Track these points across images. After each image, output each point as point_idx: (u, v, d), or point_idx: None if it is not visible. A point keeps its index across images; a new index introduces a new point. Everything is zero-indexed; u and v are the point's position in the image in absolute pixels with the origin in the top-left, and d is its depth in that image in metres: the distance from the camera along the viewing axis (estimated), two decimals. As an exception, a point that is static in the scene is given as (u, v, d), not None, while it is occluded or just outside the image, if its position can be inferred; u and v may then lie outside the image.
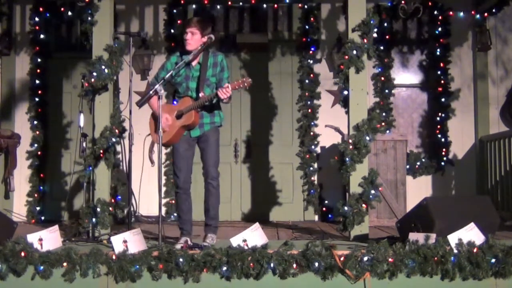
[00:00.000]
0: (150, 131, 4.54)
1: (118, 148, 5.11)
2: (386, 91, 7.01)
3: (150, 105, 4.44)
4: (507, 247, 3.75)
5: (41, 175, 7.00)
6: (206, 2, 6.92)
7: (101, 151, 4.84)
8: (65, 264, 3.78)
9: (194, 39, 4.37)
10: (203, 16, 7.05)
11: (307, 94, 6.99)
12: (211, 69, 4.43)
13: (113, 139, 4.89)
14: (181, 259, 3.74)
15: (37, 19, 7.07)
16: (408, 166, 6.58)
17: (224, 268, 3.74)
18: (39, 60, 7.05)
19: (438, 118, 7.00)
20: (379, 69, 7.03)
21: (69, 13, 6.94)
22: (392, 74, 7.07)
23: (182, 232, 4.47)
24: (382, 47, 6.94)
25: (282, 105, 7.13)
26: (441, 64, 7.00)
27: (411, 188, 6.61)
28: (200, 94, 4.34)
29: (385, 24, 7.01)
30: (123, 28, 6.91)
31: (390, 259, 3.73)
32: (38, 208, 6.91)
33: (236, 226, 5.84)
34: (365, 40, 4.75)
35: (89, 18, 4.98)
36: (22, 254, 3.78)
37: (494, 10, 6.76)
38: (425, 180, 6.98)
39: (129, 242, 3.90)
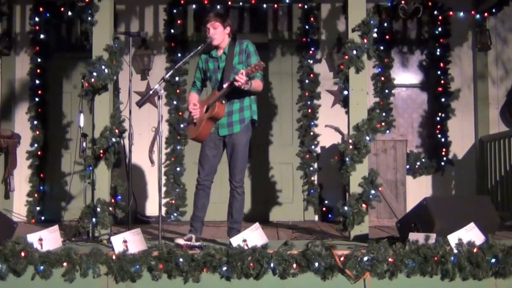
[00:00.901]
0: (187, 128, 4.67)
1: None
2: (386, 91, 7.01)
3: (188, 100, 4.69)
4: (507, 247, 3.75)
5: (41, 175, 7.00)
6: (206, 2, 6.92)
7: (101, 151, 4.84)
8: (65, 264, 3.78)
9: (217, 32, 4.38)
10: (203, 16, 7.09)
11: (307, 94, 6.99)
12: (237, 56, 4.39)
13: (113, 139, 4.88)
14: (181, 259, 3.74)
15: (37, 19, 7.06)
16: (408, 166, 6.58)
17: (224, 268, 3.74)
18: (39, 60, 7.05)
19: (438, 118, 7.00)
20: (379, 69, 7.03)
21: (69, 13, 6.92)
22: (392, 74, 7.07)
23: (191, 228, 4.46)
24: (382, 47, 6.94)
25: (282, 105, 7.13)
26: (441, 64, 7.00)
27: (411, 188, 6.61)
28: (224, 85, 4.31)
29: (385, 24, 7.01)
30: (123, 28, 6.91)
31: (390, 259, 3.73)
32: (38, 208, 6.91)
33: (236, 226, 5.84)
34: (365, 40, 4.74)
35: (89, 18, 4.97)
36: (22, 254, 3.78)
37: (494, 10, 6.77)
38: (425, 180, 6.99)
39: (129, 242, 3.90)
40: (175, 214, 6.82)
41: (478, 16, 6.88)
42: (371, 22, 4.75)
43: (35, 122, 6.98)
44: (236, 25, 7.21)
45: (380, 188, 4.81)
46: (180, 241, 4.15)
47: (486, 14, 6.85)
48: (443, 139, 6.98)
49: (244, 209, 4.52)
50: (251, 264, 3.72)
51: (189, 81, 6.90)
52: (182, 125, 6.86)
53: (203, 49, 4.41)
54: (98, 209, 4.75)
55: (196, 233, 4.43)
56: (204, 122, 4.37)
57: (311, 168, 6.94)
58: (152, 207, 6.80)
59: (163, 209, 6.67)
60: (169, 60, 6.99)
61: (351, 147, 4.69)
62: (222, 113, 4.34)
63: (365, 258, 3.73)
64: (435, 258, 3.72)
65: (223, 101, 4.33)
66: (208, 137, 4.43)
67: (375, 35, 4.84)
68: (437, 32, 7.03)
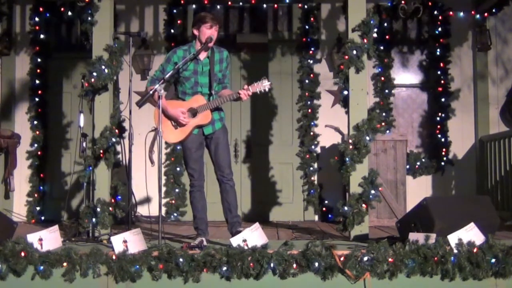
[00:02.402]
0: (163, 131, 4.21)
1: (118, 148, 5.11)
2: (386, 91, 7.01)
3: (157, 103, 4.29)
4: (507, 247, 3.75)
5: (41, 175, 7.00)
6: (206, 2, 6.92)
7: (101, 151, 4.84)
8: (65, 264, 3.78)
9: (216, 34, 4.42)
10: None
11: (307, 94, 6.99)
12: (218, 64, 4.44)
13: (113, 139, 4.89)
14: (181, 259, 3.74)
15: (37, 19, 7.07)
16: (408, 166, 6.58)
17: (224, 268, 3.74)
18: (39, 60, 7.05)
19: (438, 118, 7.00)
20: (379, 69, 7.03)
21: (69, 13, 6.94)
22: (392, 74, 7.07)
23: (198, 232, 4.45)
24: (382, 47, 6.94)
25: (282, 105, 7.13)
26: (441, 64, 7.01)
27: (411, 188, 6.60)
28: (224, 95, 4.37)
29: (385, 24, 7.01)
30: (123, 28, 6.91)
31: (390, 259, 3.73)
32: (38, 208, 6.92)
33: (236, 226, 5.85)
34: (365, 40, 4.74)
35: (89, 18, 4.97)
36: (22, 254, 3.78)
37: (494, 10, 6.77)
38: (425, 180, 6.98)
39: (129, 242, 3.90)
40: (175, 214, 6.82)
41: (478, 16, 6.88)
42: (371, 22, 4.75)
43: (35, 122, 6.98)
44: (236, 25, 7.21)
45: (380, 188, 4.81)
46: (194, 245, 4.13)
47: (486, 14, 6.85)
48: (443, 139, 6.98)
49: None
50: (251, 264, 3.72)
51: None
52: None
53: (202, 49, 4.41)
54: (98, 209, 4.75)
55: (205, 235, 4.42)
56: (191, 128, 4.37)
57: (311, 168, 6.94)
58: (152, 207, 6.79)
59: (163, 209, 6.67)
60: (169, 60, 6.99)
61: (351, 147, 4.69)
62: (210, 121, 4.42)
63: (365, 258, 3.72)
64: (435, 258, 3.72)
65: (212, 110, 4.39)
66: (190, 139, 4.43)
67: (375, 35, 4.84)
68: (437, 32, 7.03)
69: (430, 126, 7.10)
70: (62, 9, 6.98)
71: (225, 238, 4.42)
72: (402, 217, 4.74)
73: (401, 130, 7.01)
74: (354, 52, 4.74)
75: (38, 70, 7.06)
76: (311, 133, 6.96)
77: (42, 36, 7.06)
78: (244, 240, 3.91)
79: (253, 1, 6.90)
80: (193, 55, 4.35)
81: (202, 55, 4.44)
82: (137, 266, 3.76)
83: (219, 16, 4.69)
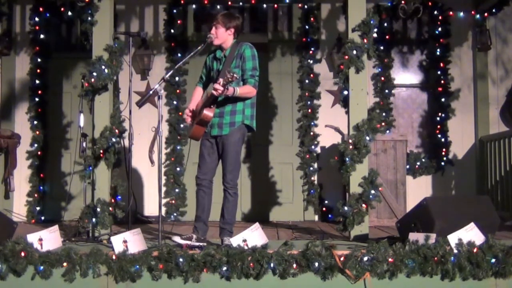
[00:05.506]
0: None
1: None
2: (386, 91, 7.01)
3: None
4: (507, 247, 3.75)
5: (41, 175, 6.99)
6: (206, 2, 6.92)
7: (101, 151, 4.84)
8: (65, 264, 3.78)
9: (218, 32, 4.38)
10: (203, 16, 7.08)
11: (307, 94, 6.99)
12: (235, 60, 4.36)
13: (113, 139, 4.88)
14: (181, 259, 3.74)
15: (37, 19, 7.06)
16: (408, 166, 6.58)
17: (224, 268, 3.75)
18: (39, 60, 7.04)
19: (438, 118, 7.00)
20: (379, 69, 7.03)
21: (69, 13, 6.93)
22: (392, 74, 7.06)
23: (193, 229, 4.44)
24: (382, 47, 6.94)
25: (282, 105, 7.13)
26: (441, 64, 7.00)
27: (411, 188, 6.61)
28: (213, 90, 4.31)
29: (385, 24, 7.01)
30: (123, 28, 6.91)
31: (390, 259, 3.73)
32: (38, 208, 6.91)
33: (236, 226, 5.81)
34: (365, 40, 4.75)
35: (89, 18, 4.97)
36: (22, 254, 3.78)
37: (494, 10, 6.77)
38: (425, 180, 6.98)
39: (129, 242, 3.90)
40: (175, 214, 6.82)
41: (478, 16, 6.88)
42: (371, 22, 4.76)
43: (35, 122, 6.97)
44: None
45: (380, 188, 4.81)
46: (177, 239, 4.15)
47: (486, 14, 6.85)
48: (443, 139, 6.98)
49: (236, 210, 4.46)
50: (251, 264, 3.72)
51: (189, 81, 6.91)
52: (182, 125, 6.88)
53: (203, 49, 4.41)
54: (98, 209, 4.75)
55: (198, 233, 4.40)
56: (194, 125, 4.39)
57: (311, 168, 6.94)
58: (152, 207, 6.80)
59: (163, 209, 6.67)
60: (169, 60, 6.99)
61: (351, 147, 4.69)
62: (209, 116, 4.29)
63: (365, 258, 3.73)
64: (435, 258, 3.72)
65: (211, 106, 4.31)
66: (204, 137, 4.44)
67: (375, 35, 4.85)
68: (437, 32, 7.03)
69: (430, 126, 7.10)
70: (62, 9, 6.97)
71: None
72: (402, 217, 4.74)
73: (401, 130, 7.01)
74: (354, 52, 4.74)
75: (38, 70, 7.04)
76: (311, 133, 6.96)
77: (42, 36, 7.05)
78: (244, 240, 3.91)
79: (253, 1, 6.90)
80: (192, 53, 4.45)
81: (222, 54, 4.46)
82: (137, 266, 3.76)
83: (226, 12, 4.59)
